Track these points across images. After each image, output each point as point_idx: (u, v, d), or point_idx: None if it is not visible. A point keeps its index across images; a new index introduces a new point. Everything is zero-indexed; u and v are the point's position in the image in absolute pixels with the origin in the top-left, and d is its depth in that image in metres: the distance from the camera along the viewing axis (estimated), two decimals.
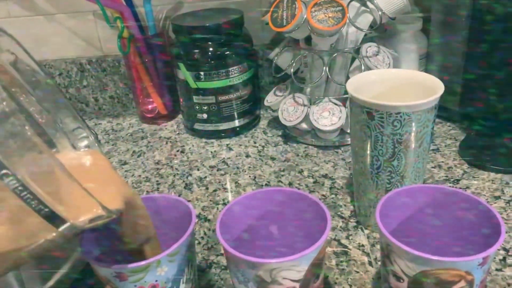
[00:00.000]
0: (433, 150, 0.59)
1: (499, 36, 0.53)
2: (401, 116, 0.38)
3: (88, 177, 0.29)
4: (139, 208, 0.33)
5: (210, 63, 0.62)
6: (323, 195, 0.53)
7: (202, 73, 0.63)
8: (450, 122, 0.66)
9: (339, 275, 0.41)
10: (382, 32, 0.65)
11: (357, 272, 0.42)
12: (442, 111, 0.66)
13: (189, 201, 0.54)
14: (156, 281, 0.32)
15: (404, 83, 0.44)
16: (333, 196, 0.52)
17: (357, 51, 0.58)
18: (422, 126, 0.39)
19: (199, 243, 0.47)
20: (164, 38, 0.71)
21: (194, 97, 0.65)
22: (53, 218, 0.25)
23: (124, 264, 0.30)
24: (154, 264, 0.31)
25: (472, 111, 0.61)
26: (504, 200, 0.49)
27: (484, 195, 0.50)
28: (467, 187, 0.51)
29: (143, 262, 0.30)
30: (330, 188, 0.54)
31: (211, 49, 0.62)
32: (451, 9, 0.60)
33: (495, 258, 0.42)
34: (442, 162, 0.57)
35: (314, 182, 0.55)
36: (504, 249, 0.43)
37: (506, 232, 0.44)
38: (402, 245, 0.29)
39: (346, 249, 0.44)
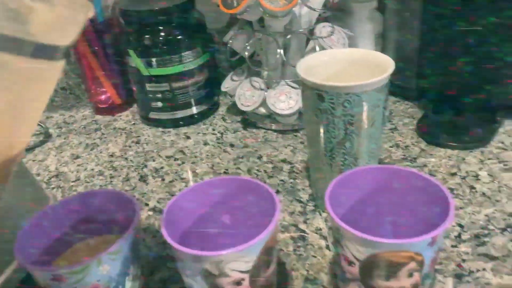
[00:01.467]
0: (390, 129, 0.59)
1: (453, 14, 0.53)
2: (350, 97, 0.38)
3: None
4: None
5: (161, 48, 0.60)
6: (281, 180, 0.52)
7: (153, 59, 0.60)
8: (408, 101, 0.65)
9: (296, 261, 0.41)
10: (337, 12, 0.64)
11: (315, 256, 0.41)
12: (400, 89, 0.66)
13: (144, 193, 0.52)
14: (98, 280, 0.30)
15: (356, 62, 0.43)
16: (291, 180, 0.52)
17: (312, 31, 0.57)
18: (373, 106, 0.39)
19: (154, 236, 0.45)
20: (114, 25, 0.68)
21: (147, 85, 0.62)
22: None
23: (62, 266, 0.28)
24: (94, 264, 0.29)
25: (428, 89, 0.61)
26: (460, 176, 0.49)
27: (441, 172, 0.50)
28: (425, 165, 0.51)
29: (82, 263, 0.29)
30: (289, 172, 0.53)
31: (162, 34, 0.60)
32: None
33: (449, 234, 0.42)
34: (400, 141, 0.56)
35: (273, 168, 0.54)
36: (460, 225, 0.43)
37: (461, 208, 0.45)
38: (350, 229, 0.28)
39: (303, 234, 0.44)
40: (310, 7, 0.54)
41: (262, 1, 0.51)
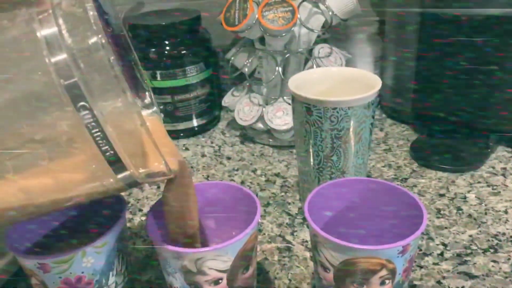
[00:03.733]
0: (384, 150, 0.60)
1: (448, 42, 0.55)
2: (337, 112, 0.39)
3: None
4: (188, 177, 0.32)
5: (166, 62, 0.62)
6: (273, 193, 0.53)
7: (158, 72, 0.63)
8: (404, 124, 0.67)
9: (280, 270, 0.41)
10: (338, 34, 0.66)
11: (298, 267, 0.42)
12: (396, 113, 0.68)
13: (138, 199, 0.54)
14: (82, 272, 0.31)
15: (345, 80, 0.45)
16: (283, 194, 0.53)
17: (310, 52, 0.59)
18: (359, 122, 0.40)
19: (145, 240, 0.46)
20: (123, 39, 0.70)
21: None
22: (116, 164, 0.24)
23: (47, 255, 0.30)
24: (79, 255, 0.30)
25: (423, 113, 0.62)
26: (448, 197, 0.50)
27: (430, 192, 0.51)
28: (414, 185, 0.52)
29: (67, 253, 0.30)
30: (281, 186, 0.54)
31: (167, 48, 0.62)
32: (402, 15, 0.61)
33: (432, 252, 0.42)
34: (393, 161, 0.58)
35: (266, 181, 0.56)
36: (443, 244, 0.43)
37: (446, 228, 0.45)
38: (324, 234, 0.29)
39: (289, 245, 0.45)
40: (307, 28, 0.56)
41: (262, 20, 0.53)
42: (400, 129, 0.66)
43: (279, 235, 0.46)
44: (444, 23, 0.54)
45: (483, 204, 0.48)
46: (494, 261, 0.41)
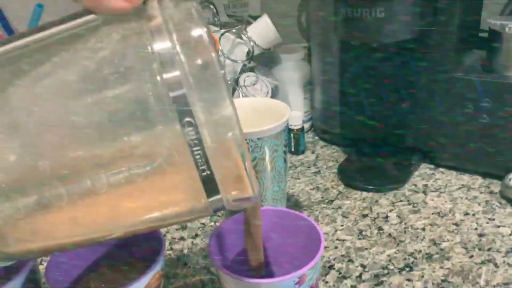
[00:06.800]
0: (314, 172, 0.62)
1: (365, 66, 0.57)
2: (248, 143, 0.40)
3: None
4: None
5: None
6: (202, 223, 0.53)
7: None
8: (335, 145, 0.69)
9: None
10: (265, 62, 0.68)
11: None
12: (327, 134, 0.69)
13: None
14: None
15: (258, 111, 0.46)
16: (212, 223, 0.53)
17: (237, 81, 0.60)
18: (271, 151, 0.41)
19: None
20: None
21: None
22: (210, 185, 0.23)
23: None
24: None
25: (350, 135, 0.64)
26: (371, 217, 0.51)
27: (354, 214, 0.52)
28: (339, 207, 0.54)
29: None
30: (211, 216, 0.54)
31: None
32: (325, 40, 0.64)
33: (351, 275, 0.43)
34: (321, 184, 0.59)
35: None
36: (362, 265, 0.45)
37: (367, 249, 0.46)
38: (223, 269, 0.30)
39: (213, 277, 0.44)
40: (231, 59, 0.57)
41: None
42: (331, 150, 0.67)
43: (204, 267, 0.46)
44: (359, 50, 0.56)
45: (403, 223, 0.50)
46: (408, 280, 0.42)
